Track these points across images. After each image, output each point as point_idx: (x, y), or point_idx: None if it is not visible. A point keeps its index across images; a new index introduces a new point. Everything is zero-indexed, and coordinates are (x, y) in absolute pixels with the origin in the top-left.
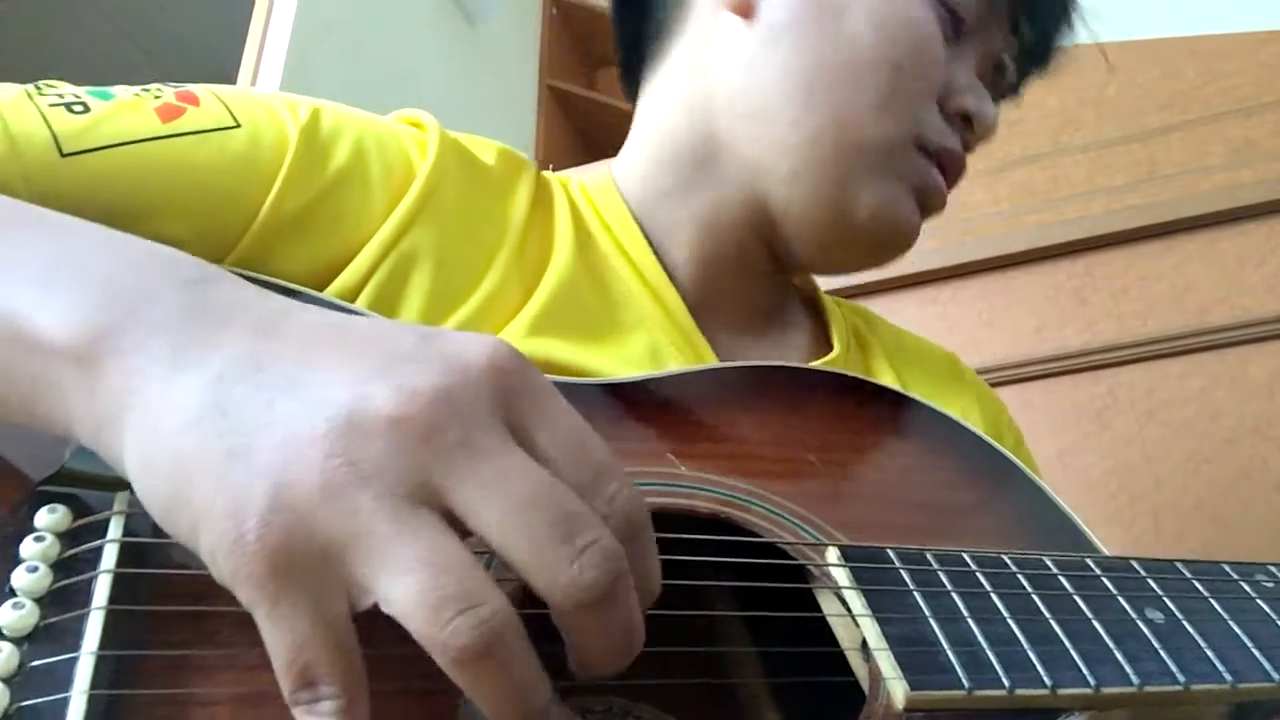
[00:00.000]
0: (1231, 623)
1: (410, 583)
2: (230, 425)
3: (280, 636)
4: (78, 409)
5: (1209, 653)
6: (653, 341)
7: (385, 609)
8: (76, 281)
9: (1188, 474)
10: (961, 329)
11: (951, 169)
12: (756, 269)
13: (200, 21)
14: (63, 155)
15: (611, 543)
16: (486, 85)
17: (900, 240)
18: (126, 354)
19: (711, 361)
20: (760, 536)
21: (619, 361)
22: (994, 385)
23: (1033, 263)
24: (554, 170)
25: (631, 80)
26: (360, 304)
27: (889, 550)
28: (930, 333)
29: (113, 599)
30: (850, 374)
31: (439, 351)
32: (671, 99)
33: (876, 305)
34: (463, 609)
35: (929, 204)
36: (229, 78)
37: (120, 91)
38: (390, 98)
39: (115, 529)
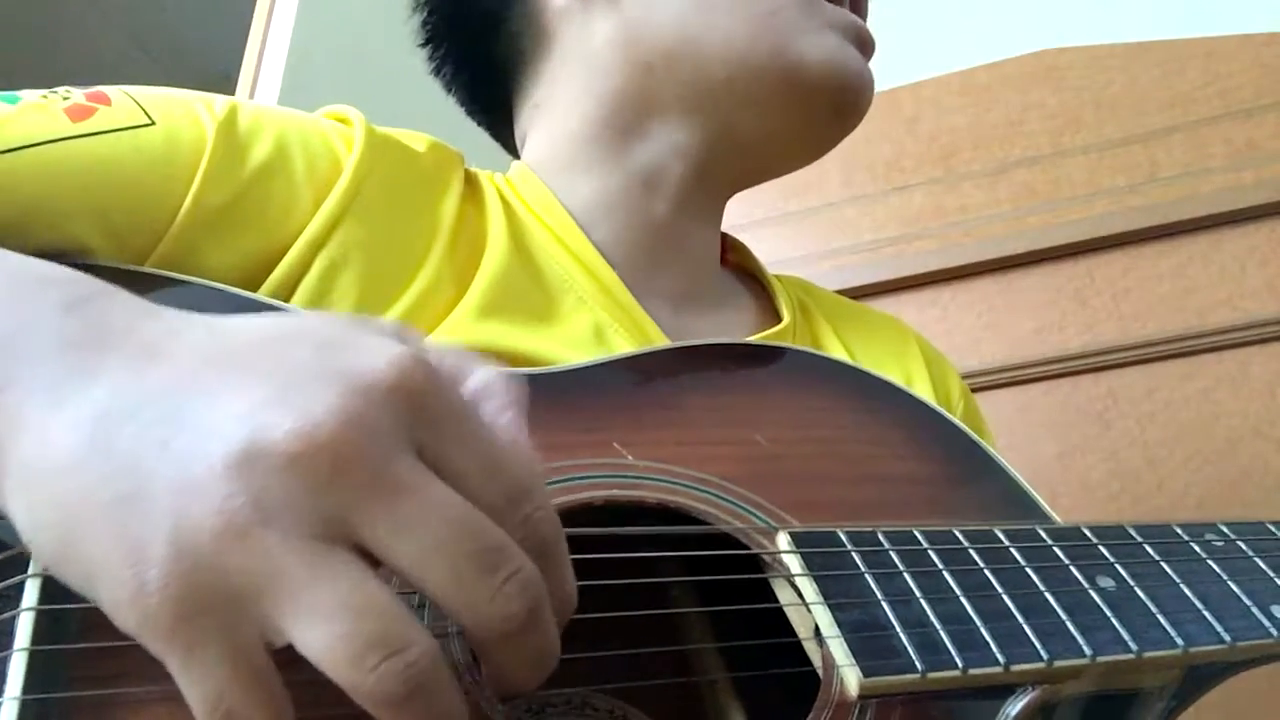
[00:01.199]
0: (1182, 585)
1: (330, 630)
2: (117, 467)
3: (199, 686)
4: None
5: (1161, 618)
6: (596, 320)
7: (302, 652)
8: None
9: (1189, 475)
10: (962, 331)
11: None
12: (692, 234)
13: (200, 21)
14: None
15: (530, 571)
16: None
17: (854, 82)
18: (3, 390)
19: (655, 334)
20: (710, 524)
21: (563, 343)
22: (995, 387)
23: (1033, 264)
24: None
25: (504, 129)
26: (294, 303)
27: (840, 532)
28: (930, 334)
29: (35, 638)
30: (792, 346)
31: (340, 369)
32: (570, 98)
33: (877, 307)
34: (387, 654)
35: (861, 43)
36: (229, 78)
37: (27, 94)
38: (391, 98)
39: (36, 563)
